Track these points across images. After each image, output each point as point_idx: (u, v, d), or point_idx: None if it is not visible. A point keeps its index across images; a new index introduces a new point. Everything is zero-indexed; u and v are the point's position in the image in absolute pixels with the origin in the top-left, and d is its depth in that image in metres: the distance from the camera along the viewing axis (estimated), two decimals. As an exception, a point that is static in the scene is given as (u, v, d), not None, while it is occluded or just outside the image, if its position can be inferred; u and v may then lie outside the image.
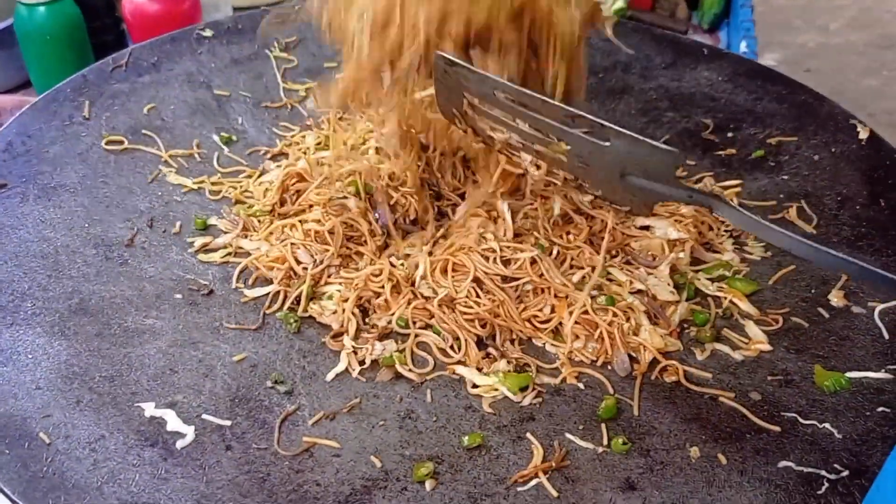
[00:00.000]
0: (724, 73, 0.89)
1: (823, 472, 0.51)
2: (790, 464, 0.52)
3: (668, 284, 0.65)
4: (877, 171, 0.75)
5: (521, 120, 0.58)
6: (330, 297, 0.64)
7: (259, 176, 0.76)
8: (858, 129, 0.80)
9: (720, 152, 0.80)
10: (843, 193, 0.74)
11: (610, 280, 0.65)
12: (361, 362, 0.60)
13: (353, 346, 0.61)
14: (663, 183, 0.55)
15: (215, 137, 0.80)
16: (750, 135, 0.82)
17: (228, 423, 0.54)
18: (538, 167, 0.68)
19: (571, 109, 0.55)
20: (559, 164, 0.59)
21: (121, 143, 0.77)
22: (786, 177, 0.77)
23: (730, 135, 0.82)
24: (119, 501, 0.48)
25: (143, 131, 0.79)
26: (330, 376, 0.59)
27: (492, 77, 0.57)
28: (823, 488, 0.50)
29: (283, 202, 0.72)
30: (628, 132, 0.53)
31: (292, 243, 0.67)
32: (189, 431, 0.53)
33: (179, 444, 0.52)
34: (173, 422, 0.54)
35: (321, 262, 0.65)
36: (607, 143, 0.53)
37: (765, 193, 0.75)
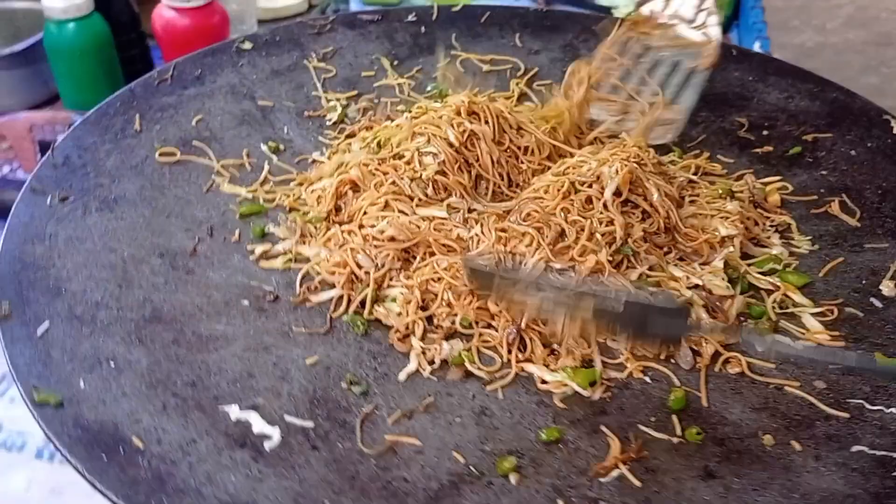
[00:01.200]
0: (754, 73, 0.91)
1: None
2: (863, 448, 0.54)
3: (723, 279, 0.67)
4: (915, 165, 0.77)
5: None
6: (394, 300, 0.66)
7: (311, 184, 0.77)
8: (892, 123, 0.82)
9: (757, 150, 0.82)
10: (883, 187, 0.76)
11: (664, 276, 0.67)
12: (431, 362, 0.61)
13: (422, 347, 0.62)
14: (682, 334, 0.59)
15: (263, 147, 0.81)
16: (785, 132, 0.84)
17: (311, 424, 0.56)
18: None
19: (582, 288, 0.58)
20: (588, 321, 0.59)
21: (173, 154, 0.78)
22: (824, 172, 0.79)
23: (765, 132, 0.84)
24: (219, 502, 0.49)
25: (194, 142, 0.80)
26: (402, 376, 0.60)
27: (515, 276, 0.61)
28: (898, 470, 0.52)
29: (337, 209, 0.73)
30: (637, 300, 0.56)
31: (352, 248, 0.68)
32: (275, 433, 0.54)
33: (267, 445, 0.54)
34: (258, 424, 0.55)
35: (382, 265, 0.67)
36: (621, 310, 0.56)
37: (805, 189, 0.77)
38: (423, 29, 0.99)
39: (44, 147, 1.12)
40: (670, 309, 0.56)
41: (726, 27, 1.34)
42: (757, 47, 1.18)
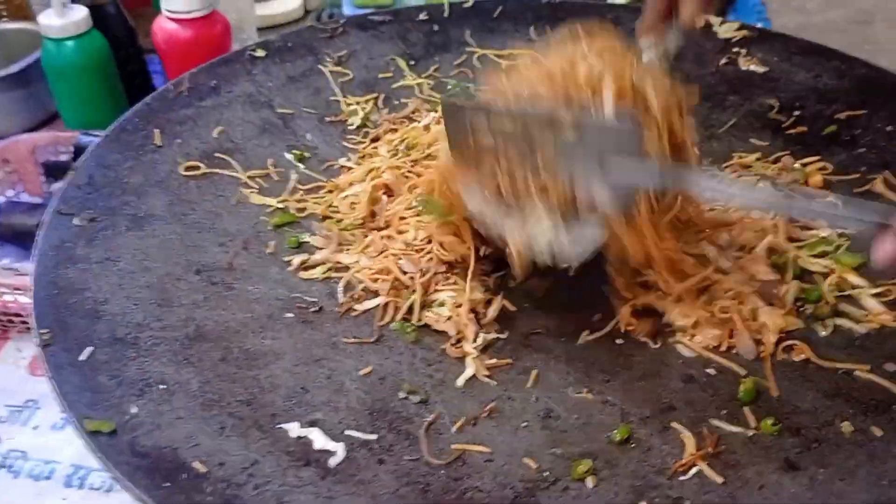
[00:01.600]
0: (779, 53, 0.90)
1: None
2: (947, 429, 0.52)
3: (767, 266, 0.65)
4: (952, 137, 0.76)
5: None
6: (442, 304, 0.64)
7: (342, 191, 0.75)
8: (924, 98, 0.81)
9: (791, 131, 0.81)
10: (923, 161, 0.75)
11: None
12: (489, 366, 0.59)
13: (477, 351, 0.60)
14: (635, 158, 0.55)
15: (288, 155, 0.79)
16: (817, 111, 0.83)
17: (374, 436, 0.54)
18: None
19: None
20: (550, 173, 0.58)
21: (198, 168, 0.76)
22: (863, 150, 0.77)
23: (797, 113, 0.83)
24: (292, 524, 0.47)
25: (217, 154, 0.78)
26: (460, 382, 0.58)
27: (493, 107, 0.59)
28: None
29: (373, 214, 0.71)
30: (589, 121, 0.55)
31: (393, 254, 0.66)
32: (339, 448, 0.53)
33: (332, 461, 0.52)
34: (320, 440, 0.53)
35: (427, 269, 0.65)
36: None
37: (847, 168, 0.76)
38: (435, 27, 0.97)
39: (48, 168, 1.10)
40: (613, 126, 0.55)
41: (724, 11, 1.33)
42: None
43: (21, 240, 1.00)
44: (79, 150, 1.05)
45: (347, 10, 1.31)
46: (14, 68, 1.15)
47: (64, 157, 1.09)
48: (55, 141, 1.10)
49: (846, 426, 0.53)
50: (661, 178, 0.56)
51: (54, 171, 1.09)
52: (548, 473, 0.52)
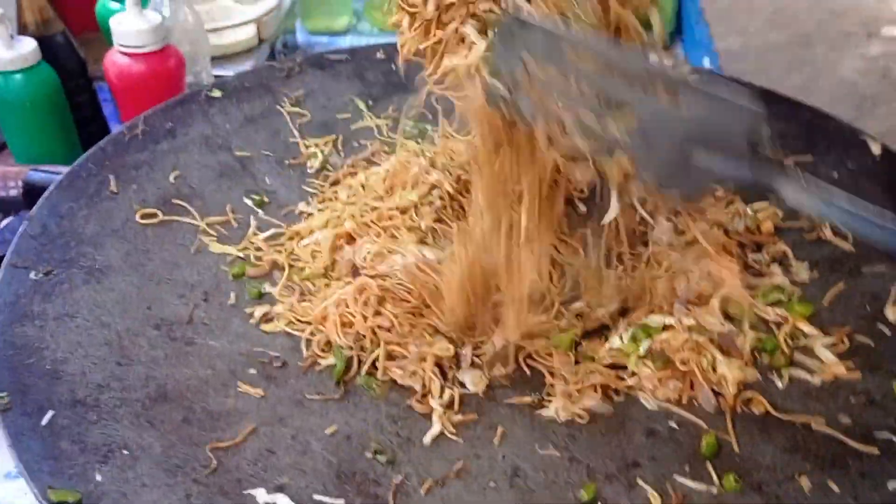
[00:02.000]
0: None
1: (936, 491, 0.53)
2: (897, 484, 0.54)
3: (721, 316, 0.67)
4: (896, 184, 0.79)
5: (588, 85, 0.50)
6: (404, 358, 0.64)
7: (301, 238, 0.75)
8: (870, 144, 0.83)
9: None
10: (871, 209, 0.77)
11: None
12: (455, 423, 0.60)
13: (443, 407, 0.60)
14: (734, 156, 0.48)
15: (247, 200, 0.79)
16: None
17: (342, 501, 0.54)
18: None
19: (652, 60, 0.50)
20: (618, 146, 0.51)
21: (155, 215, 0.75)
22: (811, 196, 0.79)
23: (747, 159, 0.84)
24: None
25: (174, 200, 0.77)
26: (427, 440, 0.59)
27: (568, 34, 0.51)
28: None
29: (335, 263, 0.71)
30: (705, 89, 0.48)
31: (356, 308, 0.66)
32: (307, 515, 0.52)
33: (301, 529, 0.51)
34: (288, 506, 0.53)
35: (392, 323, 0.65)
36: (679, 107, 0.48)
37: (795, 213, 0.77)
38: (393, 66, 0.97)
39: (-4, 202, 1.07)
40: (741, 106, 0.46)
41: (669, 42, 1.36)
42: (707, 63, 1.19)
43: (-34, 279, 0.97)
44: (28, 185, 1.02)
45: (301, 38, 1.31)
46: (-41, 100, 1.12)
47: (13, 192, 1.06)
48: (4, 176, 1.08)
49: (804, 481, 0.55)
50: (752, 175, 0.48)
51: (3, 206, 1.07)
52: (518, 536, 0.52)
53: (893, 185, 0.79)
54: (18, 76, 1.00)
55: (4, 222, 1.03)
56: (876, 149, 0.82)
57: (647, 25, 0.57)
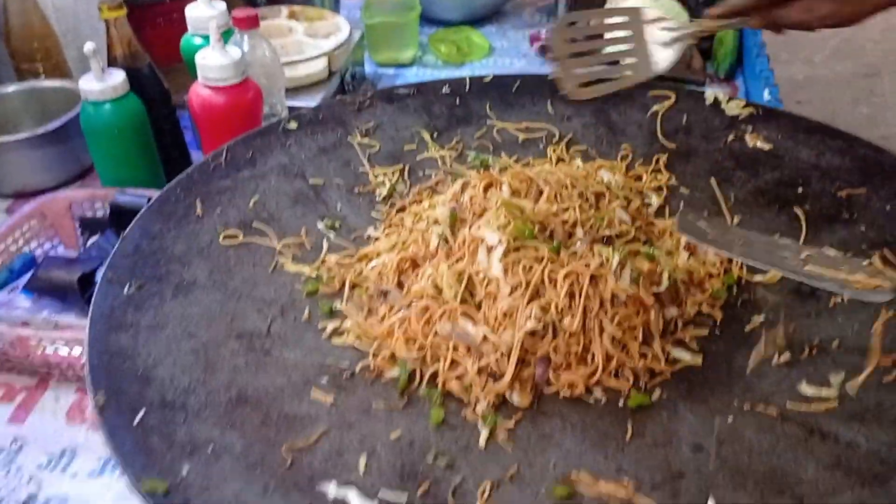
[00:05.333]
0: (784, 131, 0.95)
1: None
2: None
3: None
4: (948, 217, 0.81)
5: None
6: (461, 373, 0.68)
7: (369, 260, 0.80)
8: (922, 177, 0.85)
9: (795, 208, 0.85)
10: (921, 240, 0.79)
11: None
12: (507, 429, 0.64)
13: (492, 414, 0.65)
14: None
15: (320, 225, 0.85)
16: (820, 189, 0.87)
17: (404, 498, 0.58)
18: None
19: None
20: None
21: (236, 237, 0.81)
22: (863, 228, 0.82)
23: (800, 190, 0.87)
24: (333, 581, 0.52)
25: (254, 224, 0.83)
26: (481, 444, 0.63)
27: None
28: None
29: (400, 286, 0.76)
30: None
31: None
32: (373, 508, 0.57)
33: (367, 522, 0.56)
34: (356, 501, 0.58)
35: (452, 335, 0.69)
36: None
37: (847, 245, 0.80)
38: (457, 100, 1.03)
39: (83, 223, 1.15)
40: None
41: (731, 74, 1.39)
42: (766, 95, 1.22)
43: (59, 293, 1.05)
44: (114, 208, 1.10)
45: (369, 69, 1.38)
46: (52, 126, 1.21)
47: (100, 213, 1.14)
48: (91, 197, 1.16)
49: (845, 498, 0.57)
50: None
51: (90, 226, 1.15)
52: (567, 535, 0.56)
53: (944, 217, 0.81)
54: (108, 105, 1.08)
55: (91, 240, 1.11)
56: (929, 182, 0.85)
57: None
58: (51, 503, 0.86)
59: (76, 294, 1.02)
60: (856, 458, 0.60)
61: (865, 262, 0.75)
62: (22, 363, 0.92)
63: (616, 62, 0.91)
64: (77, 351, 0.92)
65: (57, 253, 1.17)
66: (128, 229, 0.80)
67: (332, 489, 0.58)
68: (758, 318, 0.73)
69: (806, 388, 0.66)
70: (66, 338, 0.93)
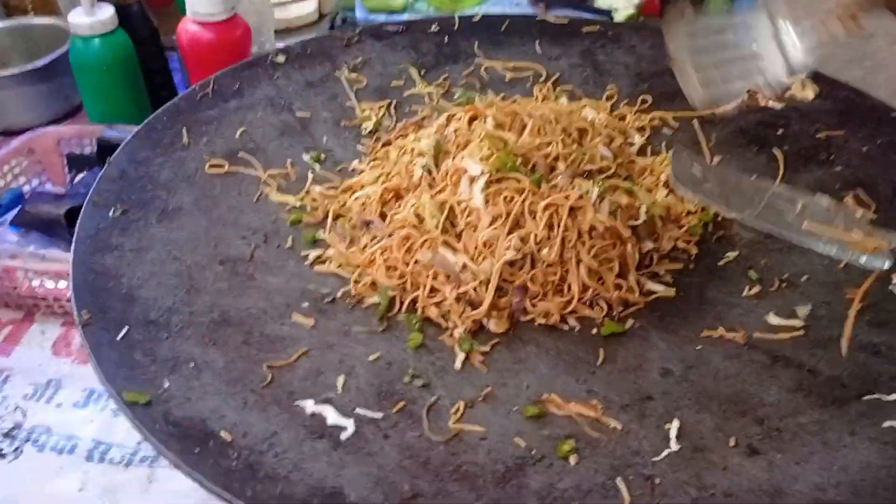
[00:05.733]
0: (766, 75, 0.96)
1: (925, 429, 0.58)
2: (893, 423, 0.58)
3: None
4: (923, 159, 0.82)
5: None
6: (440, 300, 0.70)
7: (354, 192, 0.81)
8: (900, 120, 0.87)
9: (774, 149, 0.87)
10: (895, 181, 0.81)
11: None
12: (482, 353, 0.66)
13: (469, 339, 0.66)
14: None
15: (305, 157, 0.85)
16: (799, 130, 0.88)
17: (380, 415, 0.60)
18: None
19: None
20: None
21: (222, 166, 0.82)
22: (839, 168, 0.83)
23: (780, 132, 0.88)
24: (308, 487, 0.54)
25: (240, 154, 0.84)
26: (458, 366, 0.64)
27: None
28: (928, 442, 0.57)
29: (383, 216, 0.77)
30: None
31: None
32: (349, 424, 0.59)
33: (343, 435, 0.58)
34: (332, 416, 0.59)
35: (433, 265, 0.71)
36: None
37: (823, 184, 0.81)
38: (446, 38, 1.03)
39: (71, 160, 1.16)
40: None
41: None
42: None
43: (46, 228, 1.06)
44: (102, 144, 1.11)
45: (360, 14, 1.37)
46: (41, 63, 1.21)
47: (87, 150, 1.15)
48: (80, 134, 1.16)
49: (804, 418, 0.59)
50: None
51: (78, 162, 1.15)
52: (535, 451, 0.58)
53: (919, 159, 0.82)
54: (96, 41, 1.09)
55: (79, 177, 1.12)
56: (906, 125, 0.86)
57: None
58: (36, 431, 0.88)
59: (63, 229, 1.03)
60: (817, 383, 0.62)
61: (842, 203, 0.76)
62: (9, 296, 0.94)
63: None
64: (63, 284, 0.94)
65: (45, 189, 1.17)
66: (114, 154, 0.81)
67: (309, 405, 0.60)
68: (732, 254, 0.75)
69: (773, 319, 0.68)
70: (53, 271, 0.94)
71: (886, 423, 0.58)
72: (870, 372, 0.63)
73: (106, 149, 1.03)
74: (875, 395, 0.61)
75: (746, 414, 0.60)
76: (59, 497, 0.82)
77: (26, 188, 1.14)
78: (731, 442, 0.58)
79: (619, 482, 0.55)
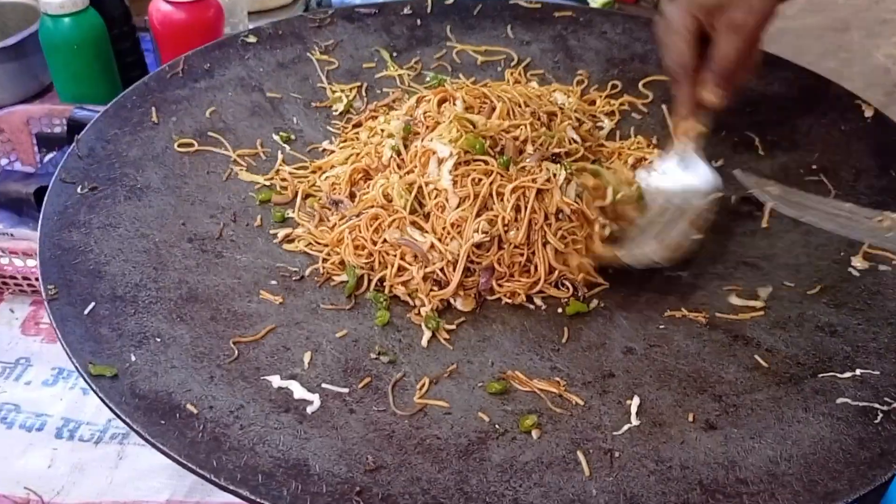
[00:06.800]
0: (735, 62, 0.97)
1: (877, 405, 0.59)
2: (847, 400, 0.60)
3: None
4: (884, 145, 0.84)
5: None
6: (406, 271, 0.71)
7: (323, 172, 0.82)
8: (863, 108, 0.88)
9: (744, 134, 0.88)
10: (857, 166, 0.82)
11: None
12: (448, 331, 0.66)
13: (434, 317, 0.67)
14: None
15: (275, 137, 0.86)
16: (766, 117, 0.90)
17: (346, 390, 0.61)
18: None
19: None
20: None
21: (191, 145, 0.82)
22: (803, 153, 0.85)
23: (748, 119, 0.90)
24: (272, 458, 0.54)
25: (209, 133, 0.84)
26: (424, 342, 0.65)
27: None
28: (879, 417, 0.58)
29: (352, 196, 0.78)
30: None
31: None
32: (315, 399, 0.59)
33: (309, 409, 0.59)
34: (298, 391, 0.60)
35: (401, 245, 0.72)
36: None
37: (787, 170, 0.83)
38: (418, 21, 1.03)
39: (41, 139, 1.15)
40: None
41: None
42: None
43: (15, 206, 1.05)
44: (72, 123, 1.10)
45: (336, -1, 1.37)
46: (10, 41, 1.20)
47: (57, 130, 1.14)
48: (49, 113, 1.15)
49: (760, 395, 0.61)
50: None
51: (47, 142, 1.14)
52: (498, 426, 0.59)
53: (880, 145, 0.84)
54: (67, 20, 1.08)
55: (49, 157, 1.11)
56: (869, 112, 0.87)
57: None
58: (4, 409, 0.88)
59: (32, 207, 1.02)
60: (775, 361, 0.64)
61: None
62: (-24, 274, 0.93)
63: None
64: (32, 263, 0.93)
65: (14, 168, 1.16)
66: (82, 132, 0.80)
67: (276, 380, 0.60)
68: (696, 237, 0.76)
69: (735, 300, 0.69)
70: (21, 249, 0.93)
71: (840, 400, 0.60)
72: (826, 351, 0.64)
73: (77, 129, 1.02)
74: (830, 374, 0.62)
75: (705, 391, 0.61)
76: (28, 473, 0.82)
77: (-6, 167, 1.13)
78: (690, 417, 0.59)
79: (580, 455, 0.56)
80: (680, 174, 0.77)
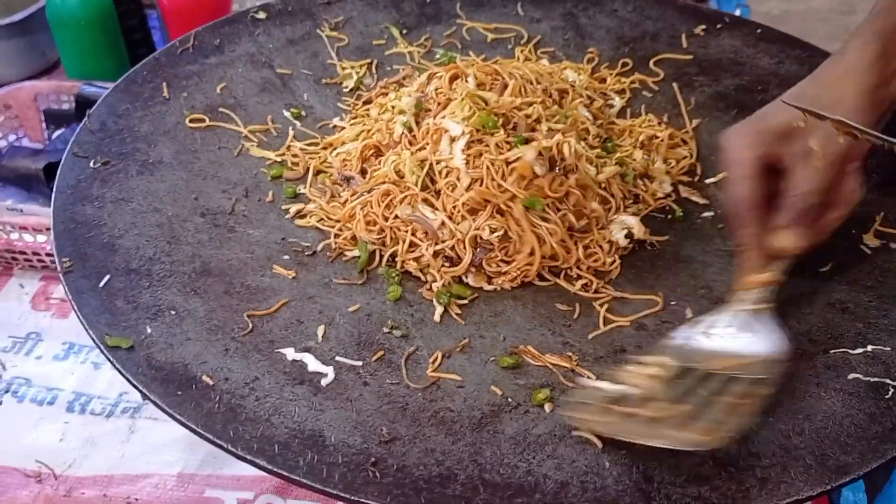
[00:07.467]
0: (747, 40, 0.97)
1: (888, 381, 0.59)
2: (858, 375, 0.60)
3: None
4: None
5: None
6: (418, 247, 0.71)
7: (334, 148, 0.82)
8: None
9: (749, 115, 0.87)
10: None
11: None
12: (460, 305, 0.67)
13: (443, 294, 0.67)
14: None
15: (286, 113, 0.86)
16: (777, 95, 0.89)
17: (360, 363, 0.61)
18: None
19: None
20: None
21: (202, 120, 0.82)
22: (814, 132, 0.84)
23: (759, 97, 0.90)
24: (288, 430, 0.55)
25: (220, 109, 0.84)
26: (436, 317, 0.65)
27: None
28: (890, 393, 0.58)
29: (363, 172, 0.78)
30: None
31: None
32: (329, 371, 0.60)
33: (323, 381, 0.59)
34: (313, 364, 0.60)
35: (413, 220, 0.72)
36: None
37: (797, 148, 0.82)
38: (428, -1, 1.03)
39: (49, 116, 1.15)
40: None
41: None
42: (737, 13, 1.23)
43: (24, 182, 1.06)
44: (80, 99, 1.10)
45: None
46: (17, 17, 1.20)
47: (65, 106, 1.14)
48: (57, 90, 1.15)
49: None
50: None
51: (56, 118, 1.15)
52: (511, 399, 0.59)
53: (893, 124, 0.84)
54: (74, -4, 1.07)
55: (57, 133, 1.12)
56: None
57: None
58: (15, 383, 0.89)
59: (41, 183, 1.02)
60: (786, 337, 0.64)
61: None
62: (-14, 249, 0.94)
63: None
64: (42, 238, 0.94)
65: (22, 144, 1.17)
66: (94, 107, 0.80)
67: (290, 353, 0.61)
68: (708, 213, 0.76)
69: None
70: (31, 225, 0.94)
71: (851, 376, 0.60)
72: (837, 327, 0.65)
73: (85, 105, 1.02)
74: (842, 350, 0.62)
75: (719, 366, 0.61)
76: (40, 447, 0.83)
77: (3, 143, 1.14)
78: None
79: (593, 429, 0.57)
80: (735, 335, 0.61)
